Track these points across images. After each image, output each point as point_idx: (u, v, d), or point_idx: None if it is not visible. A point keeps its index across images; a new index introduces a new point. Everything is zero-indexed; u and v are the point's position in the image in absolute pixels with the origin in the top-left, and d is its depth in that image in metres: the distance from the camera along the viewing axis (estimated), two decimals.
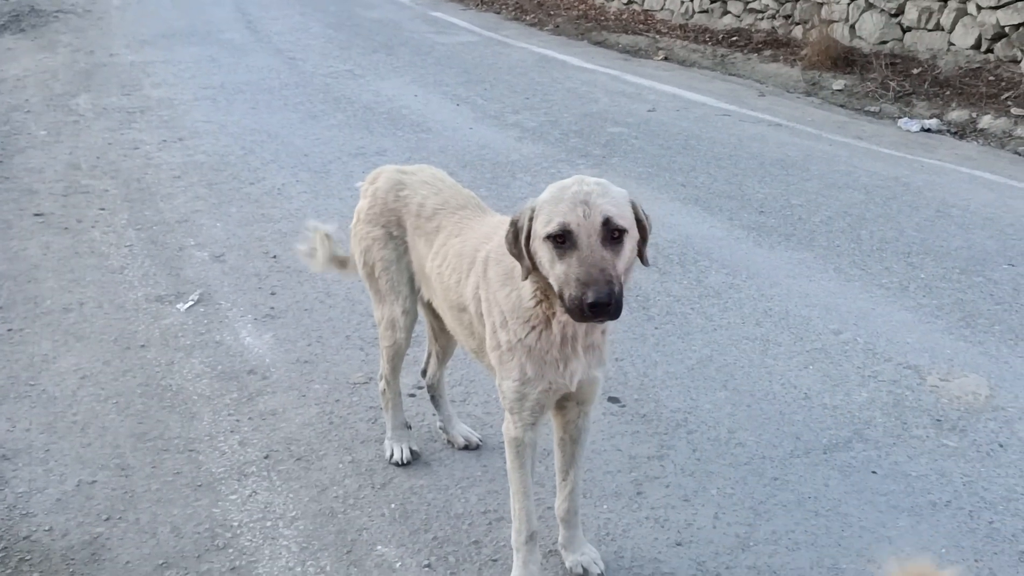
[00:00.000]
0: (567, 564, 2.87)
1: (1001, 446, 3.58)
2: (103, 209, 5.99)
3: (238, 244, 5.45)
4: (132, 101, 8.89)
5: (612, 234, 2.25)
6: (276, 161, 7.10)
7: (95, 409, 3.72)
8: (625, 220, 2.28)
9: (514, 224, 2.37)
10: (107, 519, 3.08)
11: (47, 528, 3.03)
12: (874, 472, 3.40)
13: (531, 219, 2.32)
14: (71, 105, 8.70)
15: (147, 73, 10.16)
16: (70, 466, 3.35)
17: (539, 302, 2.44)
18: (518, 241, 2.36)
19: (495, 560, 2.92)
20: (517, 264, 2.44)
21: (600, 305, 2.15)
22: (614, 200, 2.29)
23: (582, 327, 2.46)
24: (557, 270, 2.26)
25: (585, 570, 2.84)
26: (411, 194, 3.05)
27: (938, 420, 3.75)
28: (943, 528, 3.10)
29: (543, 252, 2.29)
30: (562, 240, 2.23)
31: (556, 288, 2.29)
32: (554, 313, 2.43)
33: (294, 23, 14.19)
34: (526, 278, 2.40)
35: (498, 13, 15.97)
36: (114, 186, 6.44)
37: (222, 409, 3.74)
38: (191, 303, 4.67)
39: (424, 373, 3.55)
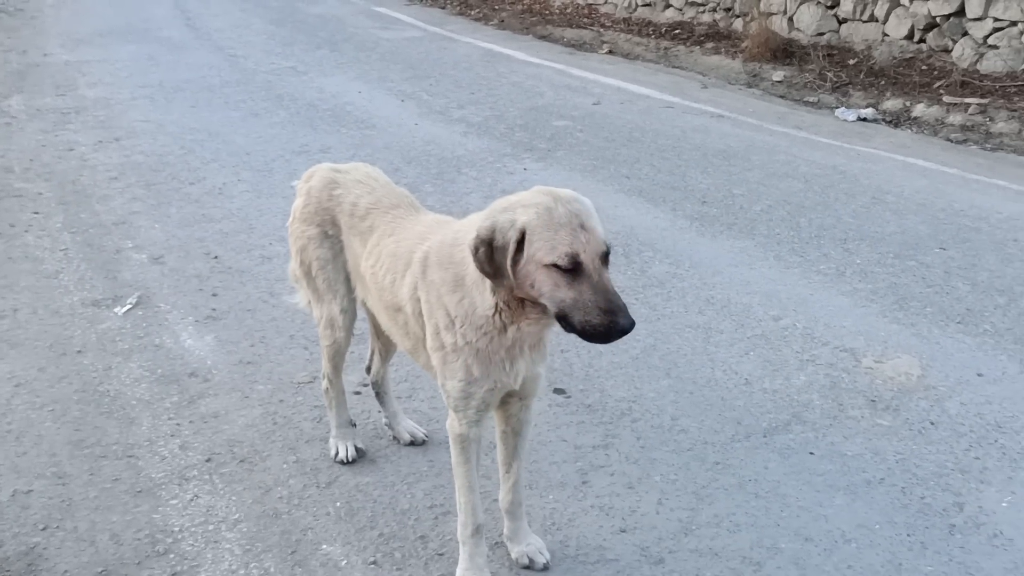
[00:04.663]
0: (513, 555, 2.89)
1: (932, 424, 3.69)
2: (37, 213, 5.84)
3: (178, 245, 5.36)
4: (67, 101, 8.68)
5: (606, 255, 2.30)
6: (217, 160, 6.99)
7: (30, 417, 3.63)
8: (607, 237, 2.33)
9: (488, 243, 2.28)
10: (44, 528, 3.01)
11: None
12: (811, 453, 3.49)
13: (519, 241, 2.27)
14: (3, 107, 8.45)
15: (82, 72, 9.92)
16: (5, 476, 3.27)
17: (498, 312, 2.43)
18: (494, 260, 2.30)
19: (441, 554, 2.92)
20: (467, 271, 2.42)
21: (628, 330, 2.26)
22: (597, 219, 2.32)
23: (536, 331, 2.47)
24: (562, 295, 2.26)
25: (531, 560, 2.86)
26: (344, 193, 3.02)
27: (873, 400, 3.86)
28: (877, 505, 3.19)
29: (544, 278, 2.26)
30: (570, 268, 2.24)
31: (557, 310, 2.29)
32: (512, 321, 2.43)
33: (235, 19, 13.98)
34: (505, 297, 2.37)
35: (443, 8, 15.93)
36: (48, 189, 6.28)
37: (162, 413, 3.68)
38: (129, 307, 4.58)
39: (369, 370, 3.54)
